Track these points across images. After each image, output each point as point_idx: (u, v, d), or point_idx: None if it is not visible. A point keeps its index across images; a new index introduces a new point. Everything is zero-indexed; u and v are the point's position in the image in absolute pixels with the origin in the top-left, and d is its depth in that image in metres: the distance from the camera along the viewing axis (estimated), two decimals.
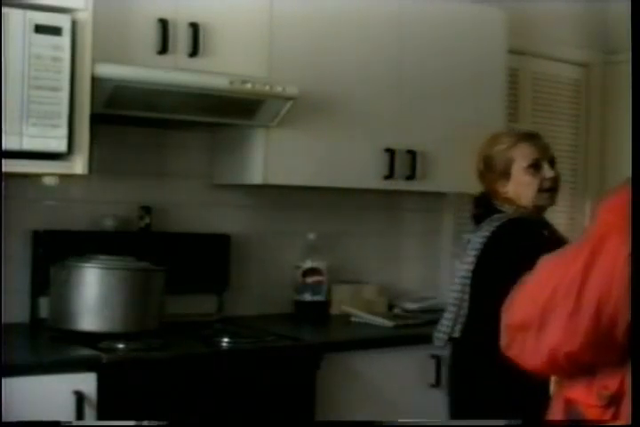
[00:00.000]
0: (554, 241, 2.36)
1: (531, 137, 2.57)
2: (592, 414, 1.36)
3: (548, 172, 2.52)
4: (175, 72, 2.82)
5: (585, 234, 1.38)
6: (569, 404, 1.41)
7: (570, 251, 1.39)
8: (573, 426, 1.41)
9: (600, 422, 1.36)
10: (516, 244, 2.43)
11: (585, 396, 1.38)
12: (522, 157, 2.52)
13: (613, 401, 1.34)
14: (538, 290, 1.38)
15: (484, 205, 2.60)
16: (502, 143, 2.57)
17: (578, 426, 1.40)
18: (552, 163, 2.56)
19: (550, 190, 2.56)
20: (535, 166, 2.53)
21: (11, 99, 2.48)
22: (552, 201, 2.58)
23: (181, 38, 2.89)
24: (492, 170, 2.57)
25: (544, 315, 1.35)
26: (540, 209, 2.59)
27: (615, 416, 1.34)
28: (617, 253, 1.29)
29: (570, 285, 1.33)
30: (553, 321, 1.34)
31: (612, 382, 1.34)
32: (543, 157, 2.54)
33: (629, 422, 1.31)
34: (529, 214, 2.53)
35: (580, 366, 1.37)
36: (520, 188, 2.53)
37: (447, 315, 2.60)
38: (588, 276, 1.31)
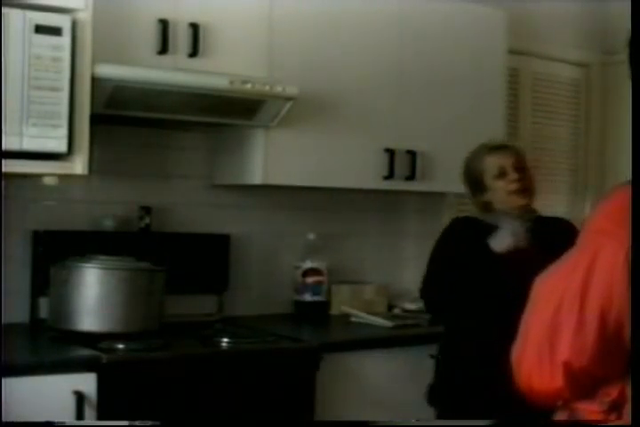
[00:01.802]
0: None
1: (496, 149, 2.81)
2: (594, 419, 1.37)
3: (512, 175, 2.73)
4: (175, 72, 2.82)
5: (579, 243, 1.37)
6: (572, 411, 1.41)
7: (568, 263, 1.38)
8: (576, 426, 1.41)
9: (601, 422, 1.36)
10: (443, 236, 2.83)
11: (588, 403, 1.38)
12: (489, 167, 2.76)
13: (614, 407, 1.34)
14: (544, 308, 1.37)
15: None
16: (474, 159, 2.83)
17: (580, 426, 1.40)
18: (519, 168, 2.76)
19: (522, 191, 2.76)
20: (502, 174, 2.74)
21: (11, 99, 2.48)
22: (527, 201, 2.78)
23: (181, 38, 2.89)
24: (472, 183, 2.83)
25: (552, 333, 1.34)
26: (520, 210, 2.77)
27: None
28: (613, 260, 1.29)
29: (572, 299, 1.32)
30: (561, 338, 1.33)
31: (613, 389, 1.35)
32: (508, 165, 2.75)
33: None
34: (492, 217, 2.75)
35: (596, 380, 1.36)
36: (493, 194, 2.76)
37: None
38: (588, 287, 1.31)
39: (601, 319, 1.30)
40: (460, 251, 2.71)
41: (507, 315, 2.61)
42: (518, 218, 2.72)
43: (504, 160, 2.75)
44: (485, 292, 2.66)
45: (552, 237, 2.71)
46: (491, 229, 2.69)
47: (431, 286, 2.75)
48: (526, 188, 2.76)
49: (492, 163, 2.75)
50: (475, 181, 2.80)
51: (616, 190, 1.36)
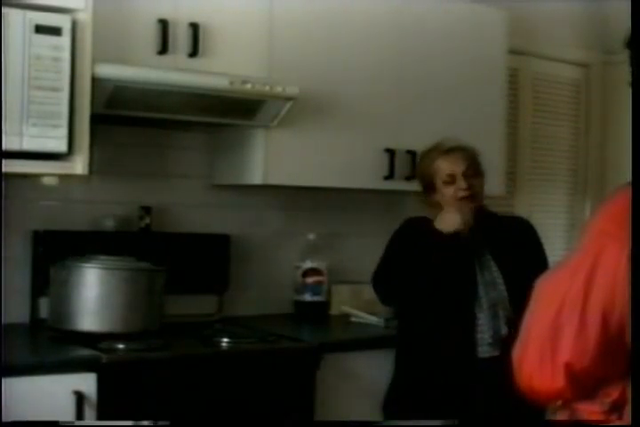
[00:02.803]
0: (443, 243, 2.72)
1: (448, 152, 2.83)
2: (594, 419, 1.37)
3: (460, 183, 2.79)
4: (175, 72, 2.82)
5: (581, 244, 1.37)
6: (573, 411, 1.41)
7: (571, 264, 1.38)
8: (576, 426, 1.41)
9: (602, 422, 1.36)
10: (395, 234, 2.89)
11: (588, 404, 1.38)
12: (440, 172, 2.81)
13: (615, 408, 1.34)
14: (546, 309, 1.37)
15: None
16: (426, 160, 2.88)
17: (580, 426, 1.40)
18: (468, 176, 2.81)
19: (469, 198, 2.81)
20: (451, 180, 2.80)
21: (11, 99, 2.48)
22: (474, 205, 2.81)
23: (181, 38, 2.89)
24: (423, 183, 2.89)
25: (554, 334, 1.34)
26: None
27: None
28: (616, 262, 1.29)
29: (574, 300, 1.32)
30: (563, 339, 1.33)
31: (614, 389, 1.35)
32: (457, 171, 2.80)
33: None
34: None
35: (597, 380, 1.36)
36: (442, 197, 2.82)
37: None
38: (591, 288, 1.31)
39: (603, 320, 1.30)
40: (407, 242, 2.80)
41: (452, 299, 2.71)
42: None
43: (455, 167, 2.80)
44: (431, 276, 2.72)
45: (504, 233, 2.86)
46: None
47: (380, 275, 2.81)
48: (473, 194, 2.81)
49: (442, 168, 2.80)
50: (426, 181, 2.86)
51: (618, 192, 1.36)
